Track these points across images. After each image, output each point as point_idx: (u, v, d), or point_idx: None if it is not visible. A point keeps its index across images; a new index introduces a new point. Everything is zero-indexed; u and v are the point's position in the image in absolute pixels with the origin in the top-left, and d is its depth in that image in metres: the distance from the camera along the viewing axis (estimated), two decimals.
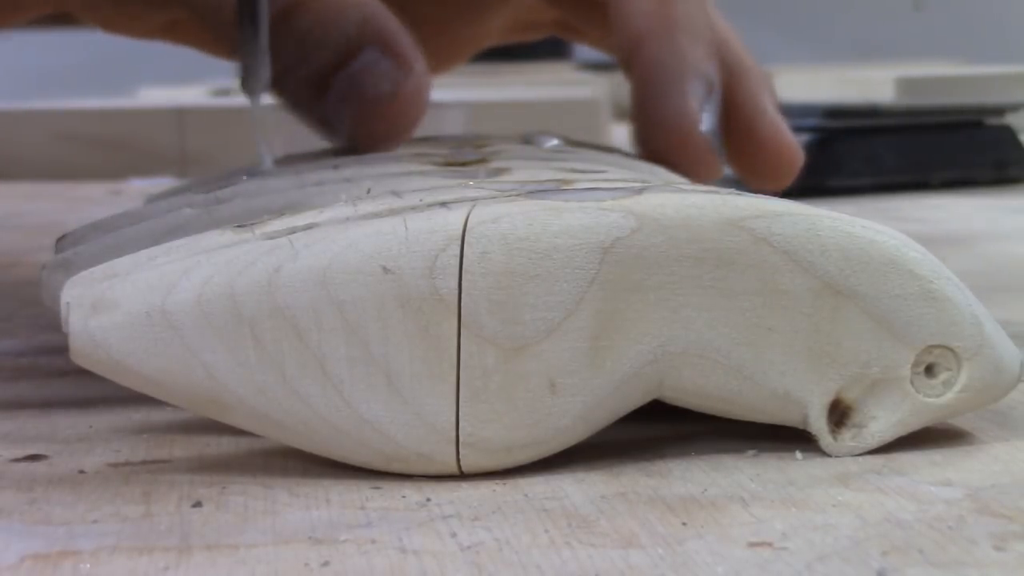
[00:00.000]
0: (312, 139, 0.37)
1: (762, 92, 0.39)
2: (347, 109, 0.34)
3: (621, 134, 1.03)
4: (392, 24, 0.35)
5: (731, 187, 0.27)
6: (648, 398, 0.25)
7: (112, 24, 0.39)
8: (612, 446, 0.26)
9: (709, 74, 0.36)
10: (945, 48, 1.82)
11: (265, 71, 0.35)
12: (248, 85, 0.35)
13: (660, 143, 0.36)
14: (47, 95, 1.19)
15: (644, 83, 0.37)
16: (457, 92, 1.08)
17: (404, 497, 0.24)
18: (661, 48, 0.36)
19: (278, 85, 0.35)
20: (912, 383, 0.25)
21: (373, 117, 0.34)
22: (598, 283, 0.24)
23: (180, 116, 0.90)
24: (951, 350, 0.25)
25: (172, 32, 0.40)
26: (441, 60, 0.45)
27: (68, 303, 0.24)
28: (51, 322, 0.37)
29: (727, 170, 0.37)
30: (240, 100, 0.37)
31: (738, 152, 0.39)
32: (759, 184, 0.39)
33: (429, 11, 0.43)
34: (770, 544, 0.21)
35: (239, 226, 0.26)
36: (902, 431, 0.26)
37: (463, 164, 0.32)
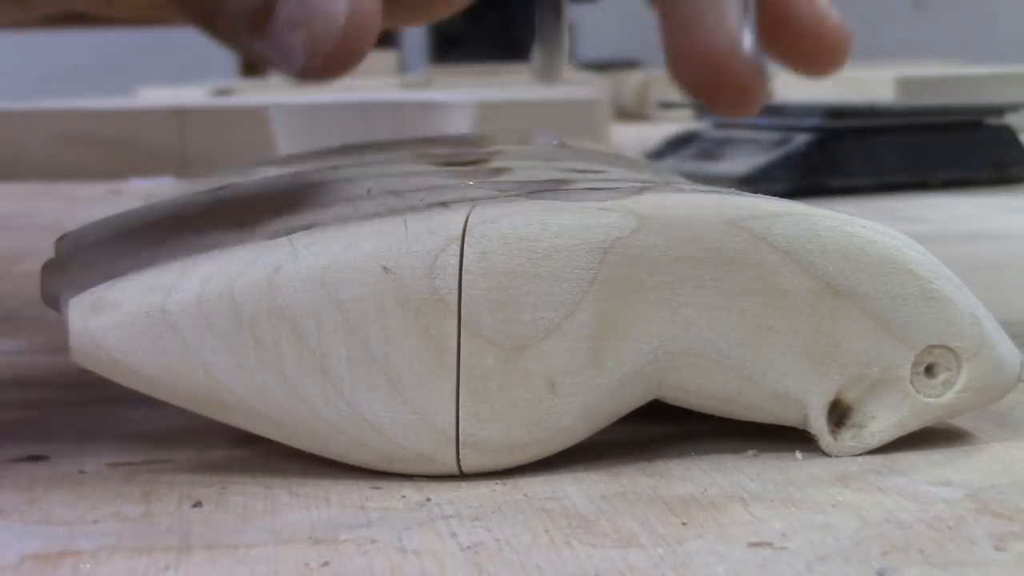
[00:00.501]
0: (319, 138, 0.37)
1: None
2: (298, 34, 0.29)
3: (621, 134, 1.03)
4: None
5: (732, 188, 0.27)
6: (648, 398, 0.25)
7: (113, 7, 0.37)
8: (612, 446, 0.26)
9: None
10: (945, 48, 1.82)
11: (563, 57, 0.33)
12: (546, 72, 0.34)
13: (700, 73, 0.31)
14: (47, 95, 1.19)
15: (672, 4, 0.32)
16: (456, 92, 1.08)
17: (404, 497, 0.24)
18: None
19: (207, 17, 0.30)
20: (912, 383, 0.25)
21: (327, 38, 0.29)
22: (598, 283, 0.24)
23: (180, 116, 0.90)
24: (951, 350, 0.25)
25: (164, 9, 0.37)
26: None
27: (68, 303, 0.24)
28: (51, 322, 0.37)
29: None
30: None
31: (776, 39, 0.34)
32: (807, 72, 0.35)
33: None
34: (770, 544, 0.21)
35: (239, 226, 0.26)
36: (902, 431, 0.26)
37: (463, 164, 0.32)
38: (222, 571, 0.21)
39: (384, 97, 0.97)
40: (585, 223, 0.24)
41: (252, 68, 2.17)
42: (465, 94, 1.01)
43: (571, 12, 0.44)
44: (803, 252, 0.25)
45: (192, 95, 1.15)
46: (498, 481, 0.25)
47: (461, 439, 0.24)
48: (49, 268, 0.29)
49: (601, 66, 1.69)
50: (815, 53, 0.34)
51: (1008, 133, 0.76)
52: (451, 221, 0.24)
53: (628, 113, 1.40)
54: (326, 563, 0.21)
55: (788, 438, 0.26)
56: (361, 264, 0.24)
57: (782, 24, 0.34)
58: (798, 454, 0.26)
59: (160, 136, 0.90)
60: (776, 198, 0.26)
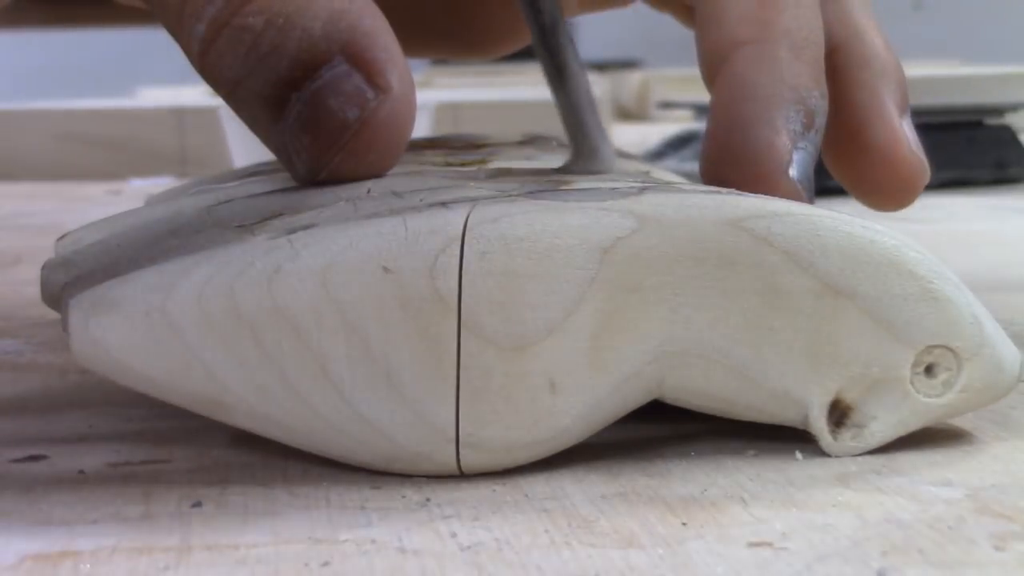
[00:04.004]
0: None
1: (883, 87, 0.31)
2: (305, 137, 0.26)
3: (621, 134, 1.03)
4: (369, 23, 0.27)
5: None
6: (648, 398, 0.25)
7: None
8: (612, 446, 0.26)
9: (812, 102, 0.28)
10: (945, 48, 1.82)
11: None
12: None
13: (735, 181, 0.27)
14: (47, 95, 1.19)
15: (727, 104, 0.29)
16: (456, 92, 1.08)
17: (404, 497, 0.24)
18: (756, 63, 0.29)
19: (232, 97, 0.27)
20: (912, 383, 0.25)
21: (335, 148, 0.27)
22: (598, 283, 0.24)
23: (180, 116, 0.90)
24: (951, 350, 0.25)
25: None
26: (508, 37, 0.40)
27: (68, 303, 0.24)
28: (51, 322, 0.37)
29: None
30: None
31: (844, 161, 0.31)
32: (869, 202, 0.32)
33: None
34: (770, 544, 0.21)
35: (239, 226, 0.26)
36: (902, 431, 0.26)
37: (463, 164, 0.32)
38: (222, 571, 0.21)
39: None
40: (585, 223, 0.24)
41: None
42: (467, 94, 1.01)
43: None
44: (803, 252, 0.25)
45: (192, 95, 1.15)
46: (498, 481, 0.25)
47: (461, 439, 0.24)
48: (49, 268, 0.29)
49: (601, 66, 1.69)
50: (885, 184, 0.31)
51: (1008, 133, 0.76)
52: (451, 221, 0.24)
53: (628, 113, 1.40)
54: (326, 563, 0.21)
55: (788, 438, 0.26)
56: (361, 264, 0.24)
57: (854, 147, 0.31)
58: (798, 454, 0.26)
59: (160, 136, 0.90)
60: (776, 198, 0.26)
